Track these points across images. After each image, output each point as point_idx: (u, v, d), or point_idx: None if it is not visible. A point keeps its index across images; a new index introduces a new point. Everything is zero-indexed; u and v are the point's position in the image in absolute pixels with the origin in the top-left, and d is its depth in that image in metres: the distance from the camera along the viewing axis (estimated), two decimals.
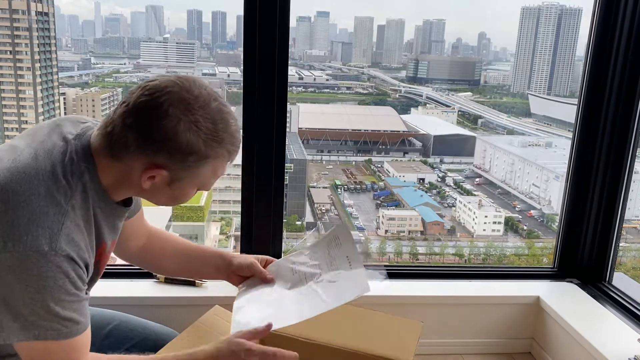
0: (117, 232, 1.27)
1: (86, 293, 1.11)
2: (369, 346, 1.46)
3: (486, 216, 8.08)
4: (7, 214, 1.01)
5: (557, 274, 2.54)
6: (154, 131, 1.07)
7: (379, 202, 8.64)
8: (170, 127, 1.07)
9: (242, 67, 2.18)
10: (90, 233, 1.12)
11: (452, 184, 8.81)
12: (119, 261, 1.64)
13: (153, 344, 1.51)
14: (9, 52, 5.54)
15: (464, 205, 8.32)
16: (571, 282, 2.49)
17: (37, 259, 0.99)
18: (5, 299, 1.01)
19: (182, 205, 7.66)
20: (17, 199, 1.02)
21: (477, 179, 8.97)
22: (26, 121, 5.72)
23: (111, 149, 1.11)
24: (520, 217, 8.26)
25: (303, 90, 9.36)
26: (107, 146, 1.12)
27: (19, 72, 5.58)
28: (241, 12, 2.10)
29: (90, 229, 1.12)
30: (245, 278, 1.50)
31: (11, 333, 1.02)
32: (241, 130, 1.20)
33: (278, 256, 2.37)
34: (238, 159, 2.28)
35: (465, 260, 7.84)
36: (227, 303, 1.53)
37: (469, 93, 9.76)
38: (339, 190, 8.73)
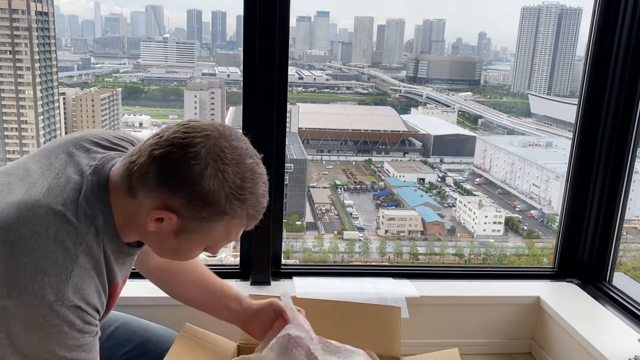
0: (128, 269, 1.24)
1: (96, 326, 1.08)
2: (357, 344, 1.45)
3: (486, 216, 8.08)
4: (14, 259, 0.97)
5: (557, 274, 2.54)
6: (179, 170, 1.00)
7: (379, 202, 8.64)
8: (197, 169, 0.99)
9: (242, 67, 2.18)
10: (101, 275, 1.08)
11: (452, 184, 8.81)
12: None
13: (153, 345, 1.51)
14: (8, 52, 5.54)
15: (464, 205, 8.31)
16: (571, 282, 2.49)
17: (42, 308, 0.96)
18: (12, 343, 0.97)
19: None
20: (25, 243, 0.98)
21: (477, 179, 8.97)
22: (26, 121, 5.72)
23: (129, 181, 1.04)
24: (520, 217, 8.26)
25: (303, 90, 9.36)
26: (126, 178, 1.04)
27: (18, 72, 5.58)
28: (241, 12, 2.10)
29: (102, 271, 1.08)
30: (265, 330, 1.42)
31: None
32: (267, 197, 1.12)
33: (277, 256, 2.37)
34: None
35: (465, 260, 7.84)
36: None
37: (469, 93, 9.76)
38: (339, 190, 8.73)
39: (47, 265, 0.97)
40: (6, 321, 0.97)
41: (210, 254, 1.18)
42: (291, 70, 6.46)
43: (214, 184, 1.00)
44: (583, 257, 2.47)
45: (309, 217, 8.18)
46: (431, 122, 9.34)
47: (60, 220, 1.01)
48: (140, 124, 7.70)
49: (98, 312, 1.07)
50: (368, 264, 7.62)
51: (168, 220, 1.04)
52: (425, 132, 9.13)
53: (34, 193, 1.03)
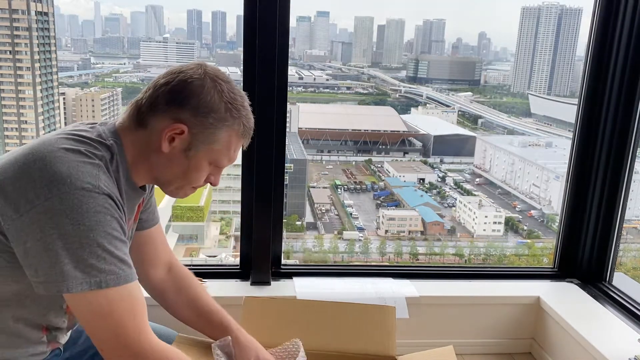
0: (131, 216, 1.31)
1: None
2: (352, 345, 1.44)
3: (486, 216, 8.08)
4: (47, 167, 1.06)
5: (557, 274, 2.54)
6: (184, 86, 1.19)
7: (379, 202, 8.63)
8: (198, 84, 1.19)
9: (242, 67, 2.18)
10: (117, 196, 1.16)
11: (452, 184, 8.81)
12: None
13: None
14: (8, 52, 5.54)
15: (464, 205, 8.31)
16: (571, 282, 2.49)
17: (82, 195, 1.05)
18: (63, 245, 1.04)
19: (182, 205, 7.67)
20: (54, 154, 1.08)
21: (477, 179, 8.96)
22: (26, 121, 5.72)
23: (138, 114, 1.20)
24: (520, 217, 8.25)
25: (303, 90, 9.35)
26: (135, 114, 1.21)
27: (18, 72, 5.58)
28: (241, 12, 2.10)
29: (117, 193, 1.16)
30: None
31: (74, 282, 1.04)
32: (253, 119, 1.28)
33: (277, 256, 2.37)
34: (238, 159, 2.28)
35: (466, 260, 7.84)
36: (225, 303, 1.53)
37: (469, 93, 9.76)
38: (339, 190, 8.72)
39: (77, 165, 1.08)
40: (55, 220, 1.04)
41: (212, 185, 1.29)
42: (291, 70, 6.46)
43: (214, 95, 1.20)
44: (583, 257, 2.47)
45: (309, 217, 8.18)
46: (431, 122, 9.33)
47: (80, 140, 1.13)
48: None
49: (124, 214, 1.16)
50: (368, 264, 7.61)
51: (179, 137, 1.19)
52: (425, 132, 9.13)
53: (50, 134, 1.16)
